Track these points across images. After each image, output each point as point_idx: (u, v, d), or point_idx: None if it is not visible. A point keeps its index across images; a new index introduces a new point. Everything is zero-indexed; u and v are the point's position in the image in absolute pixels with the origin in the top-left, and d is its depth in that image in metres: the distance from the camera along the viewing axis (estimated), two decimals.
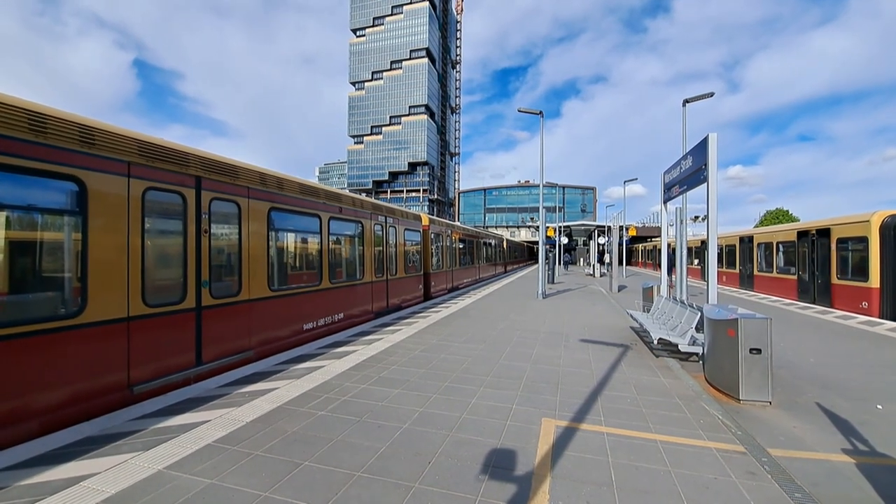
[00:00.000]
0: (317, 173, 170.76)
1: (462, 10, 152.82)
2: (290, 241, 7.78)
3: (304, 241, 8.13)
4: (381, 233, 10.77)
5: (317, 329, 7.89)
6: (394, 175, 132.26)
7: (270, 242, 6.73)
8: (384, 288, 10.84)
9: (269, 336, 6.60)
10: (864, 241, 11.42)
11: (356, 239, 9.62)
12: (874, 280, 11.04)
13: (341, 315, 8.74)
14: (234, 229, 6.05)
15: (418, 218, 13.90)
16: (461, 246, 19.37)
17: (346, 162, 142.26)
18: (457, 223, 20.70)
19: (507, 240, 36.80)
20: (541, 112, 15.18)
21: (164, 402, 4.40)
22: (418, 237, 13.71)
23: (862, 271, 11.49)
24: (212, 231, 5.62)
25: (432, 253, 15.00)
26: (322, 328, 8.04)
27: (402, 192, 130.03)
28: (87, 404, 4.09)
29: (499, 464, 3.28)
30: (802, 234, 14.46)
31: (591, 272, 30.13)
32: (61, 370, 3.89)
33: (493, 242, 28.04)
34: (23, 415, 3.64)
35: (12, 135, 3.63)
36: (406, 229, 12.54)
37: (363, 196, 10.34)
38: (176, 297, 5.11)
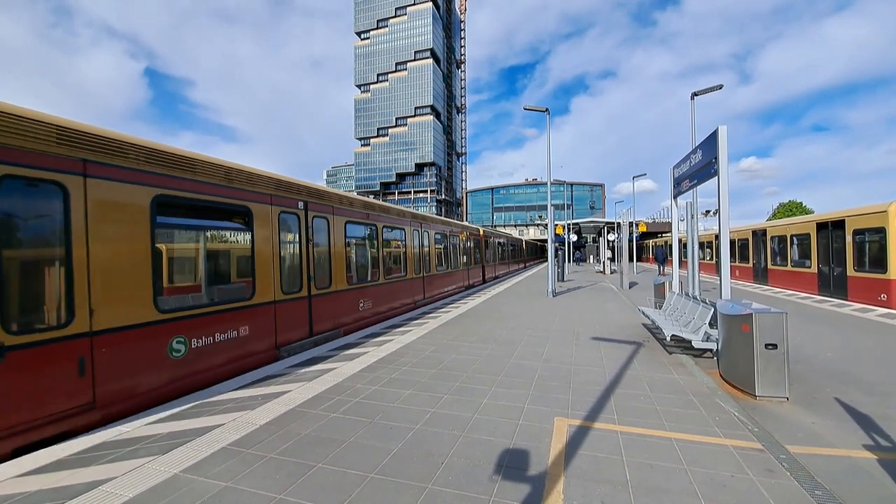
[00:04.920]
0: (324, 177, 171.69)
1: (465, 9, 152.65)
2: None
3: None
4: (464, 239, 17.63)
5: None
6: (401, 176, 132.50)
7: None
8: (467, 274, 17.95)
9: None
10: (881, 231, 11.16)
11: (453, 245, 15.77)
12: (893, 272, 10.78)
13: (445, 289, 13.83)
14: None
15: (478, 230, 20.47)
16: (498, 246, 26.47)
17: (353, 164, 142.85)
18: (497, 230, 28.20)
19: (525, 240, 45.09)
20: (546, 109, 15.09)
21: (178, 405, 4.47)
22: (478, 242, 20.48)
23: (880, 263, 11.23)
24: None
25: (485, 252, 21.84)
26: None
27: (410, 193, 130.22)
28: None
29: (512, 464, 3.26)
30: (817, 227, 14.20)
31: (602, 269, 29.89)
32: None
33: (516, 243, 35.87)
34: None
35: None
36: (472, 236, 19.24)
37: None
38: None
